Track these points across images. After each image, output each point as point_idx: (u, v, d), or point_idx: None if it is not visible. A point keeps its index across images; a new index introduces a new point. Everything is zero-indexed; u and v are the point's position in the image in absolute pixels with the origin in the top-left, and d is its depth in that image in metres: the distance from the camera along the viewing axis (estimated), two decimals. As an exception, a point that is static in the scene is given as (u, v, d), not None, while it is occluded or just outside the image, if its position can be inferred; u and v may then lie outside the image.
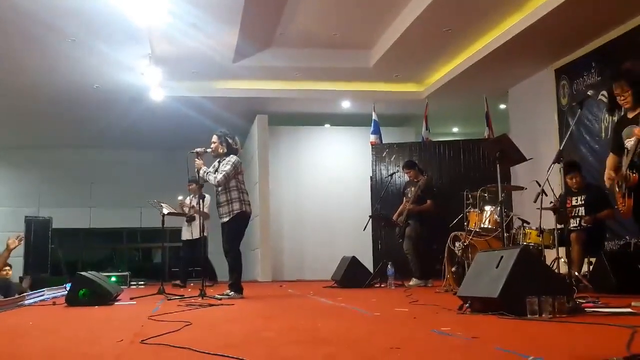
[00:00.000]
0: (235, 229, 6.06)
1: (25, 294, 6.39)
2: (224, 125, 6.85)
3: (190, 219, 8.75)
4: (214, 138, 6.21)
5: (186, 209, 8.90)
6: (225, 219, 6.02)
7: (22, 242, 6.95)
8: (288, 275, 10.53)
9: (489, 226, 6.04)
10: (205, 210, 8.94)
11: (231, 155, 6.09)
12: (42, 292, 7.00)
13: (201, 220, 7.53)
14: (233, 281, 6.04)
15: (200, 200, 8.14)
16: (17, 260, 9.51)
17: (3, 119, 11.63)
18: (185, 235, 9.10)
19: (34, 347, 2.88)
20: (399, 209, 7.82)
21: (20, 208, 13.08)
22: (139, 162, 13.93)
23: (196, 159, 6.12)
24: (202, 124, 10.10)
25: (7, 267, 7.48)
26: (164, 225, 7.64)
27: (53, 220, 12.38)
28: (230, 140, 6.18)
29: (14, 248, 6.57)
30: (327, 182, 11.37)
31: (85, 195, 13.88)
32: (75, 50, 8.19)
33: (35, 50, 8.21)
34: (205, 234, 9.05)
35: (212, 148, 6.17)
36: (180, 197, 9.16)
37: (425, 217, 7.55)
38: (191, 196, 8.99)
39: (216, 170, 6.04)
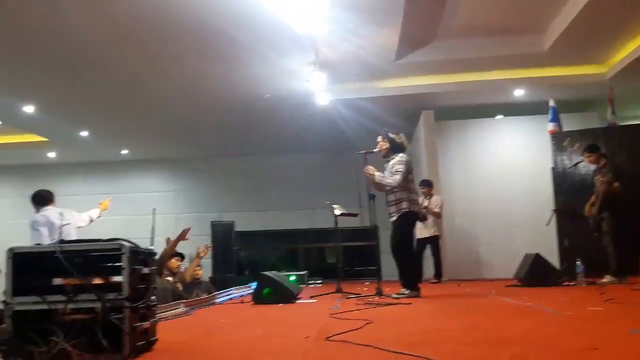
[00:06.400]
0: (403, 228, 6.02)
1: (215, 292, 6.91)
2: (387, 125, 6.84)
3: (422, 219, 9.15)
4: (378, 138, 6.26)
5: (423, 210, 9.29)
6: (393, 218, 6.00)
7: (209, 250, 7.62)
8: (464, 274, 10.21)
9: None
10: (436, 210, 9.26)
11: (400, 155, 6.07)
12: (231, 291, 7.52)
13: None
14: (406, 280, 5.99)
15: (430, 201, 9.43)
16: (206, 262, 10.33)
17: (191, 132, 12.71)
18: (419, 233, 9.48)
19: (230, 342, 3.07)
20: (591, 201, 7.27)
21: (205, 213, 14.18)
22: (308, 165, 14.42)
23: (368, 169, 6.13)
24: (366, 125, 10.17)
25: (198, 267, 8.20)
26: (337, 225, 7.81)
27: (235, 224, 13.28)
28: (392, 136, 6.17)
29: (203, 256, 7.25)
30: (501, 175, 10.88)
31: (261, 199, 14.69)
32: (251, 61, 8.67)
33: (216, 61, 8.77)
34: (437, 232, 9.38)
35: (378, 148, 6.20)
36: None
37: (616, 207, 6.96)
38: (422, 197, 9.38)
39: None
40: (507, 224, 10.57)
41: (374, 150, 6.28)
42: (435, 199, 9.72)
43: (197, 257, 7.31)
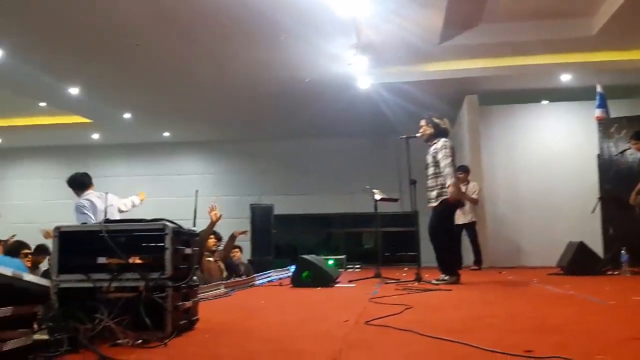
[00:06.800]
0: (442, 214, 5.95)
1: (255, 275, 6.99)
2: (430, 109, 6.74)
3: (460, 205, 9.06)
4: (422, 122, 6.18)
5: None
6: (434, 204, 5.94)
7: (248, 234, 7.73)
8: (505, 262, 10.06)
9: None
10: (474, 196, 9.26)
11: (443, 140, 5.97)
12: (269, 274, 7.58)
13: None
14: (445, 266, 5.93)
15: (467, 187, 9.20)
16: (245, 245, 10.42)
17: (232, 115, 12.82)
18: (456, 220, 9.37)
19: (270, 324, 3.09)
20: (637, 189, 7.07)
21: (245, 197, 14.29)
22: (348, 150, 14.39)
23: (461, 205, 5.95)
24: (408, 110, 10.06)
25: (236, 250, 8.30)
26: (377, 210, 7.77)
27: (274, 207, 13.36)
28: (437, 121, 6.09)
29: (237, 236, 7.37)
30: (545, 162, 10.65)
31: (301, 183, 14.74)
32: (292, 44, 8.64)
33: (258, 44, 8.76)
34: (474, 219, 9.37)
35: (420, 133, 6.13)
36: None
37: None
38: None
39: (434, 161, 5.94)
40: (550, 211, 10.36)
41: (416, 135, 6.21)
42: (472, 185, 9.61)
43: (232, 238, 7.42)
